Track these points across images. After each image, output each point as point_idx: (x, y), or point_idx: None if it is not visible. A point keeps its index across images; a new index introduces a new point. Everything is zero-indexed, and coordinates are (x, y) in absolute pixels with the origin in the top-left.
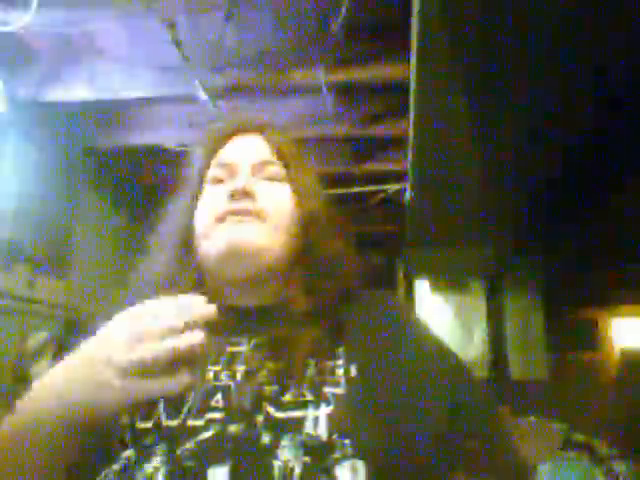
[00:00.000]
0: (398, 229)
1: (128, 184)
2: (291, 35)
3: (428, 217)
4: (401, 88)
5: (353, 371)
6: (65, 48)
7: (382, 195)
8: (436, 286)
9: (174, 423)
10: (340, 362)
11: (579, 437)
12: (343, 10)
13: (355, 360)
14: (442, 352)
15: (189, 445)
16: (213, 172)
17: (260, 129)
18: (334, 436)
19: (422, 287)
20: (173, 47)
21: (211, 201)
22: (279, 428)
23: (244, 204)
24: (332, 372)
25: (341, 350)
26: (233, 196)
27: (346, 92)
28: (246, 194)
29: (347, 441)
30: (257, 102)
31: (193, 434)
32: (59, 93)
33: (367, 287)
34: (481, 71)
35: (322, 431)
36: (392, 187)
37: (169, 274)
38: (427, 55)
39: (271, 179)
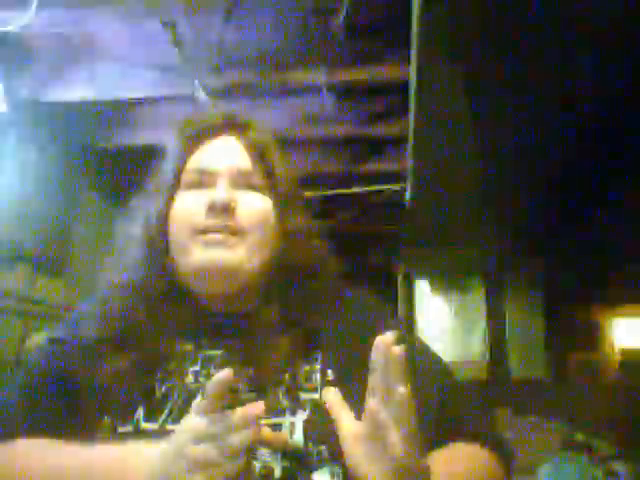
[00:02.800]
0: (398, 229)
1: (128, 184)
2: (291, 35)
3: (428, 217)
4: (401, 88)
5: (330, 375)
6: (65, 48)
7: (382, 195)
8: (436, 286)
9: (153, 426)
10: (317, 366)
11: (579, 437)
12: (343, 10)
13: (332, 364)
14: (420, 352)
15: None
16: (189, 176)
17: (242, 130)
18: (310, 443)
19: (422, 287)
20: (173, 47)
21: (187, 210)
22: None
23: (222, 220)
24: (309, 377)
25: (318, 354)
26: (211, 210)
27: (346, 92)
28: (225, 209)
29: (323, 447)
30: (257, 102)
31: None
32: (59, 93)
33: (366, 287)
34: (481, 71)
35: (298, 438)
36: (392, 187)
37: (140, 277)
38: (427, 55)
39: (251, 189)
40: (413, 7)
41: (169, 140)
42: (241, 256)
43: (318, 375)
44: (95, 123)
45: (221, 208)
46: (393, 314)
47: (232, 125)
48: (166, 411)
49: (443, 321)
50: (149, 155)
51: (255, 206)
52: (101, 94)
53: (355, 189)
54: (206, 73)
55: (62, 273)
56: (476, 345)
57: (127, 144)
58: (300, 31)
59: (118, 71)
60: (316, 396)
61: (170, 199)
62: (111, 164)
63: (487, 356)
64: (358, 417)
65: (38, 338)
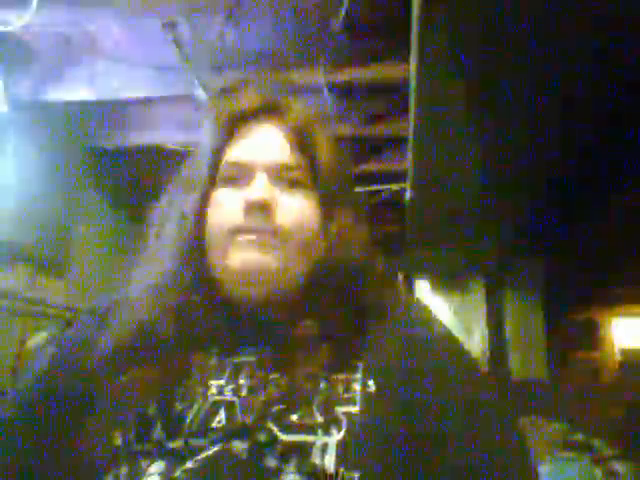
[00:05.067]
0: (398, 229)
1: (128, 184)
2: (291, 35)
3: (428, 217)
4: (401, 88)
5: (371, 386)
6: (65, 48)
7: (382, 195)
8: (436, 286)
9: (176, 444)
10: (358, 376)
11: (579, 437)
12: (343, 10)
13: (374, 374)
14: (471, 376)
15: (190, 465)
16: (225, 171)
17: (282, 115)
18: (342, 469)
19: (422, 287)
20: (173, 47)
21: (224, 209)
22: (284, 452)
23: (260, 222)
24: (348, 387)
25: (360, 364)
26: (248, 209)
27: (347, 92)
28: (262, 209)
29: (356, 475)
30: None
31: (194, 453)
32: (59, 93)
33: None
34: (481, 71)
35: (330, 461)
36: (392, 187)
37: (171, 280)
38: (427, 55)
39: (294, 185)
40: (413, 7)
41: (201, 128)
42: (279, 259)
43: (358, 385)
44: (95, 123)
45: (258, 207)
46: (443, 329)
47: (271, 109)
48: (186, 427)
49: (443, 321)
50: (149, 155)
51: (297, 205)
52: (101, 94)
53: (355, 189)
54: (206, 73)
55: (62, 273)
56: (476, 345)
57: (127, 144)
58: (300, 31)
59: (118, 71)
60: (354, 409)
61: (205, 196)
62: (111, 164)
63: (487, 356)
64: (397, 432)
65: (38, 339)
